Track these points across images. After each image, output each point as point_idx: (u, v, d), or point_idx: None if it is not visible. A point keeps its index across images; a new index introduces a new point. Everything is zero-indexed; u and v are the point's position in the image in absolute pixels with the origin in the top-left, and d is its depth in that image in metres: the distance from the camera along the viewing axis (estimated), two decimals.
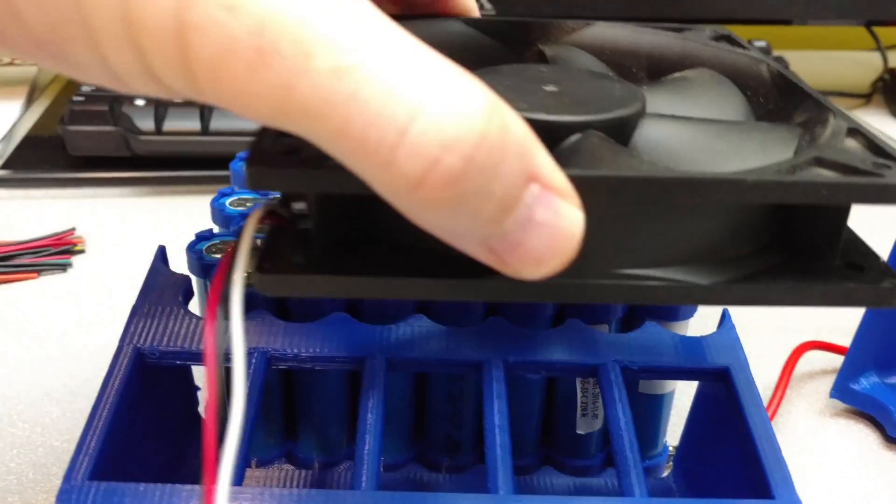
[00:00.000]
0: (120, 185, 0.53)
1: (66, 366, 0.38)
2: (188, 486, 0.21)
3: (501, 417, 0.24)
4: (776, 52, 0.68)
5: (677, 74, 0.26)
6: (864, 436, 0.36)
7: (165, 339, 0.25)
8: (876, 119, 0.72)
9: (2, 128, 0.58)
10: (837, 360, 0.37)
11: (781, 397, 0.36)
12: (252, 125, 0.24)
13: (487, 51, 0.28)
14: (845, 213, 0.20)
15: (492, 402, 0.24)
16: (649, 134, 0.22)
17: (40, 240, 0.46)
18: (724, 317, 0.28)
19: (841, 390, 0.37)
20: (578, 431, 0.31)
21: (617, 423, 0.24)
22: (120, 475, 0.22)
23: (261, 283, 0.19)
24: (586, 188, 0.17)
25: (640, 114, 0.22)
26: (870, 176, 0.18)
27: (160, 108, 0.52)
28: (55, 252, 0.45)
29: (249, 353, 0.25)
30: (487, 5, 0.63)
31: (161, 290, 0.27)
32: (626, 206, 0.19)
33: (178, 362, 0.25)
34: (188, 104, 0.52)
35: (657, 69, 0.28)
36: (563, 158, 0.18)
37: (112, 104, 0.52)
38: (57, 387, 0.37)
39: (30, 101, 0.64)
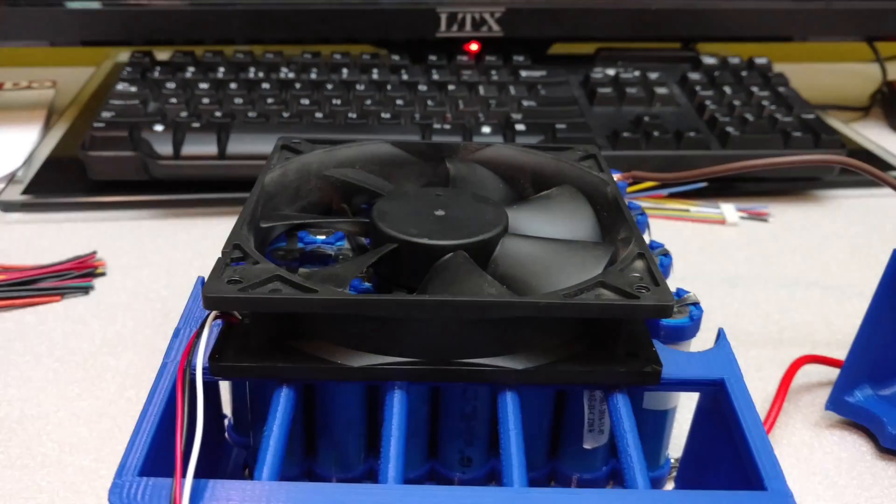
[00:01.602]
0: (139, 208, 0.55)
1: (91, 387, 0.39)
2: (224, 481, 0.23)
3: (515, 421, 0.26)
4: (777, 67, 0.70)
5: (543, 193, 0.35)
6: (857, 446, 0.38)
7: (204, 357, 0.27)
8: (874, 132, 0.73)
9: (22, 152, 0.60)
10: (833, 373, 0.39)
11: (779, 410, 0.38)
12: (267, 149, 0.32)
13: (408, 164, 0.36)
14: (620, 328, 0.27)
15: (506, 408, 0.26)
16: (507, 250, 0.30)
17: (63, 263, 0.47)
18: (720, 335, 0.30)
19: (836, 403, 0.38)
20: (585, 446, 0.32)
21: (621, 426, 0.26)
22: (163, 474, 0.24)
23: (212, 369, 0.27)
24: (439, 308, 0.25)
25: (501, 235, 0.30)
26: (631, 298, 0.26)
27: (178, 133, 0.53)
28: (77, 275, 0.47)
29: (279, 388, 0.27)
30: (495, 27, 0.65)
31: (200, 314, 0.30)
32: (461, 317, 0.26)
33: (215, 378, 0.28)
34: (206, 129, 0.54)
35: (538, 181, 0.36)
36: (436, 272, 0.28)
37: (132, 130, 0.53)
38: (83, 407, 0.38)
39: (48, 124, 0.66)
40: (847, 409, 0.38)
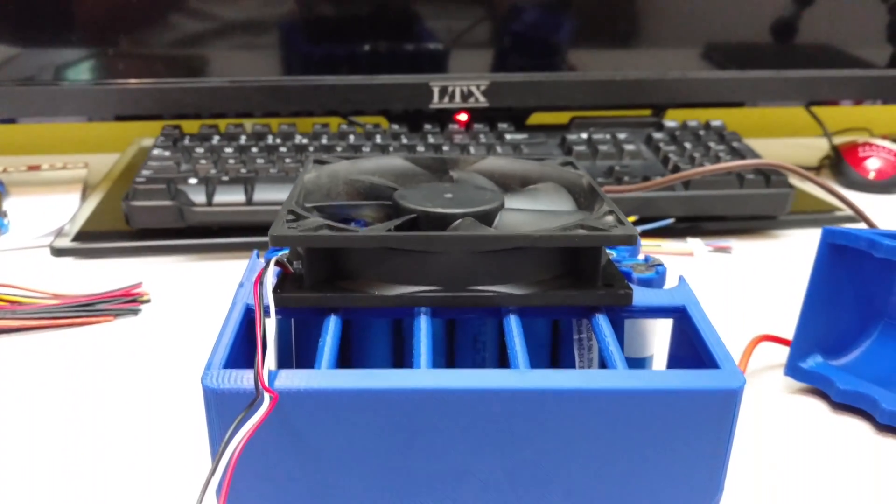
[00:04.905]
0: (176, 252, 0.61)
1: (138, 397, 0.45)
2: (290, 370, 0.29)
3: (518, 332, 0.32)
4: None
5: (531, 186, 0.42)
6: (813, 404, 0.44)
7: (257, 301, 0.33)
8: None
9: (66, 214, 0.67)
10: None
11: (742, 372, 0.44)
12: None
13: (418, 175, 0.44)
14: (598, 257, 0.34)
15: (510, 324, 0.32)
16: (505, 219, 0.36)
17: (114, 291, 0.54)
18: (681, 279, 0.37)
19: (792, 368, 0.45)
20: None
21: (601, 333, 0.32)
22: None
23: (276, 301, 0.32)
24: (456, 241, 0.32)
25: (499, 208, 0.37)
26: (602, 232, 0.33)
27: (210, 185, 0.61)
28: (127, 301, 0.53)
29: (327, 315, 0.33)
30: (482, 99, 0.74)
31: (256, 273, 0.36)
32: (474, 250, 0.33)
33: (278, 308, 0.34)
34: (234, 182, 0.61)
35: (526, 182, 0.43)
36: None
37: (169, 183, 0.61)
38: (145, 409, 0.44)
39: (84, 196, 0.73)
40: (802, 374, 0.45)
